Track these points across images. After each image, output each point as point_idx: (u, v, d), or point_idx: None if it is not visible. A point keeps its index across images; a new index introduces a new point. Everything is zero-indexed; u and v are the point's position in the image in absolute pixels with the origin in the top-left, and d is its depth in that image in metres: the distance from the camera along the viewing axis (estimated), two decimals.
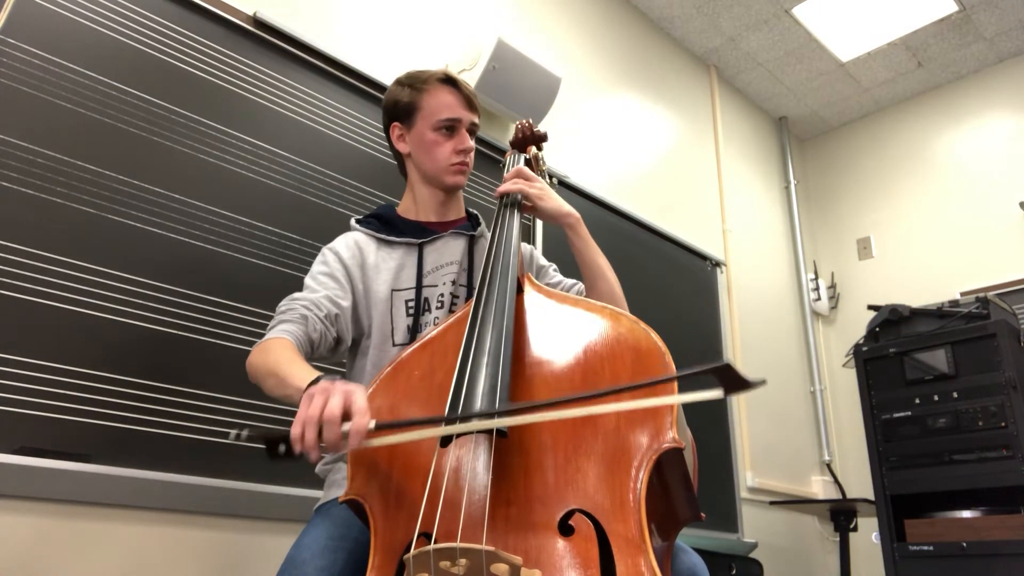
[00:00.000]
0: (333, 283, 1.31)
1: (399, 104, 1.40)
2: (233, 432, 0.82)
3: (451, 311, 1.33)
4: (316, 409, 0.83)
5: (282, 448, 0.84)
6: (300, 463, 0.88)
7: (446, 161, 1.37)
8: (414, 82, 1.40)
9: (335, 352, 1.32)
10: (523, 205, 1.35)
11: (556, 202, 1.36)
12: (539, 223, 2.64)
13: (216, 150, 1.89)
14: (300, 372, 1.01)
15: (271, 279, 1.90)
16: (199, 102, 1.89)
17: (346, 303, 1.30)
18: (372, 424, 0.83)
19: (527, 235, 2.55)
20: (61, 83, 1.66)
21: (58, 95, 1.65)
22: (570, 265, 1.44)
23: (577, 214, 1.37)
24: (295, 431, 0.84)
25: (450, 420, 0.87)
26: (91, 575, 1.48)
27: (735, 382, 0.72)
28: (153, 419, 1.61)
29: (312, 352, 1.24)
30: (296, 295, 1.28)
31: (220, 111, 1.92)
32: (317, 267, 1.35)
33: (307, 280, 1.32)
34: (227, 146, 1.91)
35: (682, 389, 0.84)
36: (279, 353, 1.11)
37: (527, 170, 1.39)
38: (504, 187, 1.35)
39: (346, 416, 0.84)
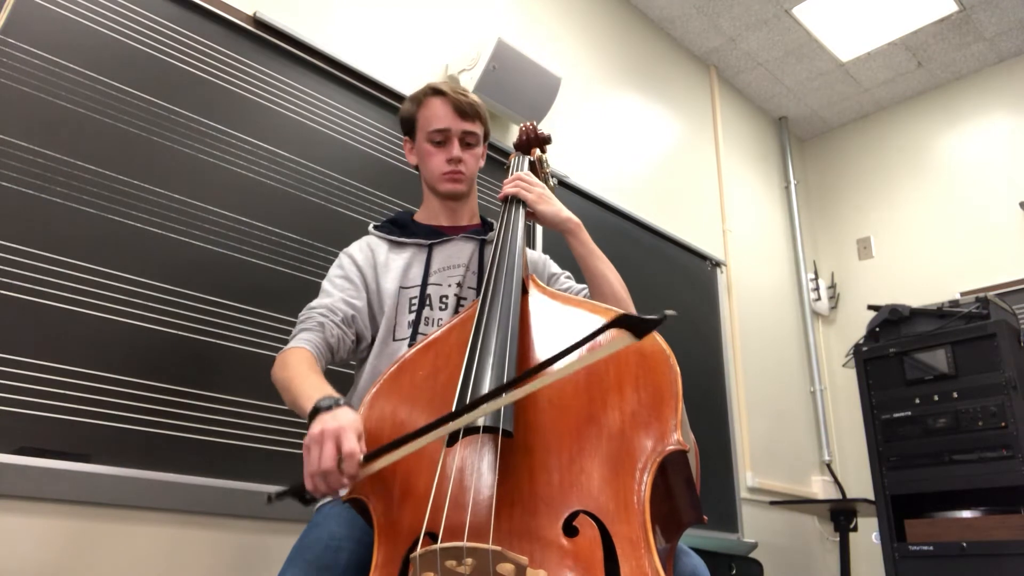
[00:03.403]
0: (348, 284, 1.36)
1: (405, 120, 1.49)
2: (268, 496, 0.90)
3: (458, 313, 1.34)
4: (314, 463, 0.90)
5: (308, 495, 0.92)
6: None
7: (438, 170, 1.43)
8: (415, 96, 1.47)
9: (357, 349, 1.37)
10: (526, 211, 1.37)
11: (555, 207, 1.38)
12: (539, 227, 2.64)
13: (216, 150, 1.88)
14: (308, 391, 1.07)
15: (271, 279, 1.89)
16: (199, 102, 1.88)
17: (361, 303, 1.35)
18: (361, 458, 0.89)
19: (528, 238, 2.54)
20: (61, 83, 1.66)
21: (58, 95, 1.65)
22: (574, 269, 1.44)
23: (577, 220, 1.38)
24: (308, 485, 0.91)
25: (455, 419, 0.87)
26: (91, 575, 1.48)
27: (641, 326, 0.75)
28: (153, 419, 1.61)
29: (332, 357, 1.30)
30: (313, 303, 1.33)
31: (220, 111, 1.92)
32: (333, 271, 1.41)
33: (324, 284, 1.38)
34: (227, 146, 1.91)
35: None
36: (294, 368, 1.17)
37: (527, 174, 1.42)
38: (503, 191, 1.39)
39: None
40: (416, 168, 1.51)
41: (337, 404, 0.97)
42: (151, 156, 1.76)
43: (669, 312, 0.72)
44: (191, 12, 1.93)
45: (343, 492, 1.01)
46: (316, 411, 0.97)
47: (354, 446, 0.89)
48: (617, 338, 0.76)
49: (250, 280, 1.85)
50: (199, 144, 1.86)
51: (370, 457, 0.89)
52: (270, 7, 2.11)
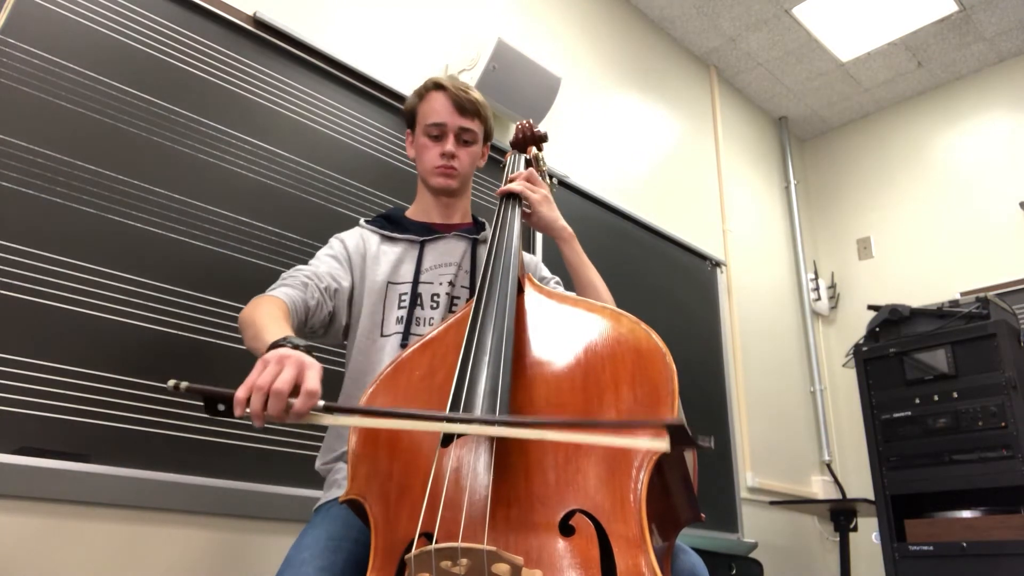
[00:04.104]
0: (336, 263, 1.38)
1: (408, 113, 1.49)
2: (171, 382, 0.82)
3: (451, 312, 1.34)
4: (267, 378, 0.83)
5: (221, 407, 0.83)
6: (244, 421, 0.86)
7: (431, 164, 1.42)
8: (418, 90, 1.47)
9: (328, 330, 1.36)
10: (522, 210, 1.36)
11: (555, 212, 1.40)
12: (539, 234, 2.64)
13: (216, 150, 1.89)
14: (274, 329, 1.01)
15: (271, 279, 1.87)
16: (199, 102, 1.89)
17: (346, 283, 1.36)
18: (321, 404, 0.83)
19: (527, 240, 2.55)
20: (61, 83, 1.66)
21: (58, 95, 1.65)
22: (565, 279, 1.44)
23: (571, 230, 1.40)
24: (240, 394, 0.83)
25: (451, 420, 0.87)
26: (90, 575, 1.48)
27: (684, 439, 0.74)
28: (153, 419, 1.61)
29: (307, 320, 1.27)
30: (300, 266, 1.35)
31: (220, 111, 1.92)
32: (323, 250, 1.42)
33: (311, 261, 1.39)
34: (227, 146, 1.91)
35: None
36: (266, 308, 1.13)
37: (535, 174, 1.42)
38: (507, 187, 1.38)
39: (297, 390, 0.83)
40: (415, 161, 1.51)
41: (308, 351, 0.91)
42: (151, 156, 1.76)
43: (710, 445, 0.73)
44: (191, 12, 1.93)
45: (339, 493, 1.01)
46: (281, 344, 0.91)
47: (317, 386, 0.83)
48: (648, 435, 0.77)
49: (250, 280, 1.85)
50: (199, 144, 1.86)
51: (330, 409, 0.84)
52: (270, 7, 2.12)
